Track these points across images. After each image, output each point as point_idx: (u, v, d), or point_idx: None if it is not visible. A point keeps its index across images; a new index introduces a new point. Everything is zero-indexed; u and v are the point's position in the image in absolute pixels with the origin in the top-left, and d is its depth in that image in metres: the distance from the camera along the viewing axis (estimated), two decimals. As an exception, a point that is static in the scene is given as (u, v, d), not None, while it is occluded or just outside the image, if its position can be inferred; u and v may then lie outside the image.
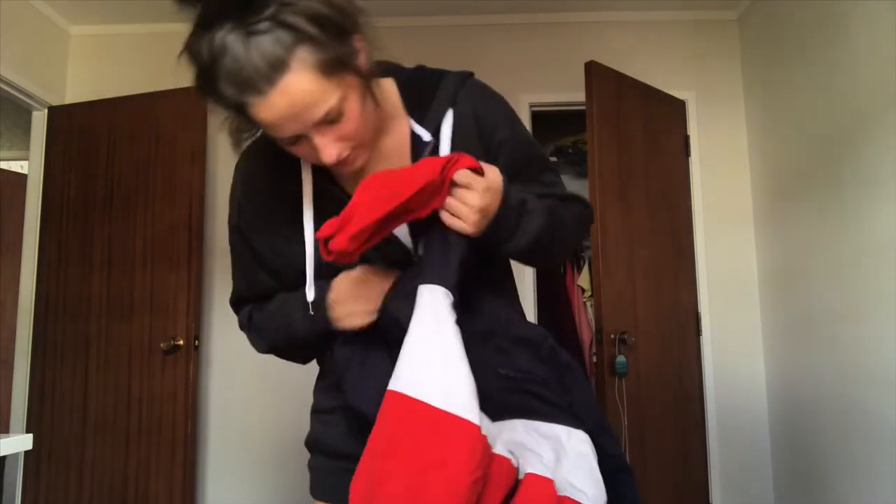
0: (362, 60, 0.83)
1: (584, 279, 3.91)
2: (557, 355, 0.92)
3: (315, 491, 1.03)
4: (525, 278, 3.29)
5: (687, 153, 3.44)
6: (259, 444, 3.32)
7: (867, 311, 2.44)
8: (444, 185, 0.83)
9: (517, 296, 1.08)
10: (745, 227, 3.39)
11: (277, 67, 0.74)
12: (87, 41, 3.60)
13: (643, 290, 3.05)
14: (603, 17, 3.54)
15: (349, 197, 0.92)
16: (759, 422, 3.26)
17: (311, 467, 1.05)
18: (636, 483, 0.90)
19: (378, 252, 0.87)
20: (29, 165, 3.42)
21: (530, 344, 0.92)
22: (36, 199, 3.32)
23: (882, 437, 2.34)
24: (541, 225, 0.91)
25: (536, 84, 3.45)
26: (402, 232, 0.93)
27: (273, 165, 0.97)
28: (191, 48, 0.77)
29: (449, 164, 0.83)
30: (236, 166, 1.03)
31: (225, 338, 3.32)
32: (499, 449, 0.80)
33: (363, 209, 0.80)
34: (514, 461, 0.80)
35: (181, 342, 3.02)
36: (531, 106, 3.45)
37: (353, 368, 0.90)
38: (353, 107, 0.82)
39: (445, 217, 0.84)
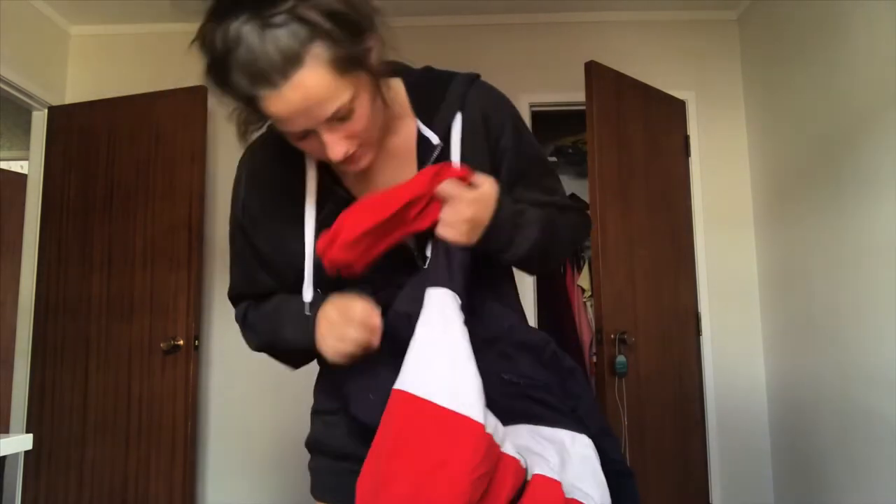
0: (375, 59, 0.82)
1: (584, 279, 3.90)
2: (560, 360, 0.93)
3: (316, 491, 1.03)
4: (525, 278, 3.29)
5: (687, 153, 3.44)
6: (259, 444, 3.32)
7: (867, 311, 2.44)
8: (436, 196, 0.85)
9: (519, 299, 1.08)
10: (744, 227, 3.39)
11: (292, 61, 0.74)
12: (87, 41, 3.60)
13: (643, 290, 3.05)
14: (603, 17, 3.54)
15: (353, 197, 0.93)
16: (759, 422, 3.26)
17: (313, 468, 1.04)
18: (637, 486, 0.91)
19: (388, 260, 0.87)
20: (29, 165, 3.42)
21: (532, 349, 0.92)
22: (36, 199, 3.32)
23: (882, 436, 2.34)
24: (536, 236, 0.93)
25: (536, 84, 3.45)
26: (409, 241, 0.94)
27: (279, 162, 0.97)
28: (203, 38, 0.76)
29: (436, 176, 0.85)
30: (241, 161, 1.03)
31: (225, 338, 3.32)
32: (507, 448, 0.80)
33: (351, 220, 0.83)
34: (522, 462, 0.80)
35: (181, 342, 3.02)
36: (531, 106, 3.45)
37: (355, 378, 0.90)
38: (364, 105, 0.82)
39: (439, 227, 0.86)
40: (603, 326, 2.85)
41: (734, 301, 3.34)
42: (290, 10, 0.73)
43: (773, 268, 3.21)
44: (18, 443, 1.60)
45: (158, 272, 3.10)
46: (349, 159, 0.85)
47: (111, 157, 3.24)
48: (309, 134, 0.82)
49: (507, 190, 0.99)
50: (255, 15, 0.73)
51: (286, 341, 0.96)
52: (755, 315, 3.34)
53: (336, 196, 0.94)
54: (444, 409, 0.77)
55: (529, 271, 1.03)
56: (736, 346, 3.31)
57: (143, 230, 3.14)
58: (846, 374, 2.58)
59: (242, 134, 0.87)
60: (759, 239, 3.35)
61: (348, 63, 0.77)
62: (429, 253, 0.91)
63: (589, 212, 2.96)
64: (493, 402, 0.83)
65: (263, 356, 1.06)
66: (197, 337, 3.07)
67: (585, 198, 3.61)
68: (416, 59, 1.04)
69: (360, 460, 0.80)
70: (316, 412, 1.06)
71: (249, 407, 3.31)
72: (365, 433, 0.83)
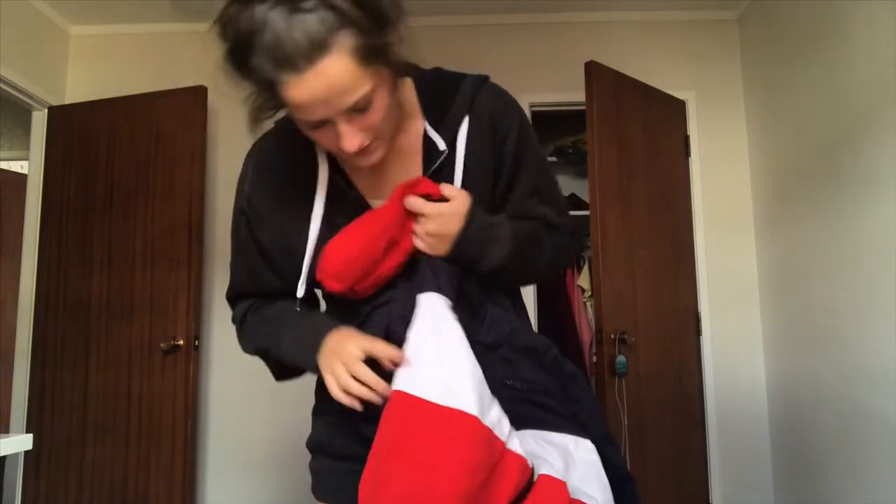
0: (396, 54, 0.82)
1: (584, 279, 3.90)
2: (561, 365, 0.94)
3: (318, 492, 1.03)
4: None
5: (687, 153, 3.44)
6: (259, 444, 3.31)
7: (867, 311, 2.44)
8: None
9: (522, 303, 1.08)
10: (744, 227, 3.39)
11: (319, 47, 0.73)
12: (87, 41, 3.60)
13: (643, 290, 3.05)
14: (603, 17, 3.54)
15: (361, 196, 0.94)
16: (759, 422, 3.26)
17: (314, 469, 1.04)
18: (637, 491, 0.92)
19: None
20: (29, 165, 3.42)
21: (533, 353, 0.93)
22: (36, 199, 3.32)
23: (882, 436, 2.34)
24: (506, 252, 0.94)
25: (536, 84, 3.45)
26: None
27: (289, 156, 0.97)
28: (225, 19, 0.75)
29: (405, 192, 0.90)
30: (248, 154, 1.02)
31: (225, 338, 3.31)
32: (513, 445, 0.80)
33: (333, 250, 0.89)
34: (529, 461, 0.80)
35: (181, 342, 3.02)
36: (531, 106, 3.45)
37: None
38: (382, 98, 0.82)
39: (413, 239, 0.91)
40: (603, 326, 2.85)
41: (734, 301, 3.34)
42: None
43: (773, 268, 3.21)
44: (18, 443, 1.60)
45: (158, 272, 3.10)
46: (362, 152, 0.85)
47: (111, 157, 3.24)
48: (324, 124, 0.81)
49: (505, 192, 0.99)
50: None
51: (286, 356, 0.97)
52: (755, 315, 3.34)
53: (345, 193, 0.95)
54: (437, 405, 0.78)
55: (505, 284, 1.02)
56: (736, 346, 3.31)
57: (143, 230, 3.14)
58: (846, 374, 2.58)
59: (255, 120, 0.85)
60: (759, 239, 3.35)
61: (372, 54, 0.77)
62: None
63: (592, 213, 2.96)
64: None
65: (264, 356, 1.06)
66: (197, 337, 3.07)
67: (585, 198, 3.61)
68: (416, 59, 1.04)
69: (361, 460, 0.81)
70: (317, 412, 1.06)
71: (249, 407, 3.31)
72: (366, 433, 0.84)
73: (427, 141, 0.95)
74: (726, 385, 3.28)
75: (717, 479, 3.22)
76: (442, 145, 0.94)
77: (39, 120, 3.37)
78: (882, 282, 2.33)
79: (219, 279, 3.36)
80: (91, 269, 3.16)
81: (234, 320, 1.07)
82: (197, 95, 3.13)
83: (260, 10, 0.73)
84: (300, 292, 0.95)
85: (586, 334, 3.91)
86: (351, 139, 0.82)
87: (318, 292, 1.00)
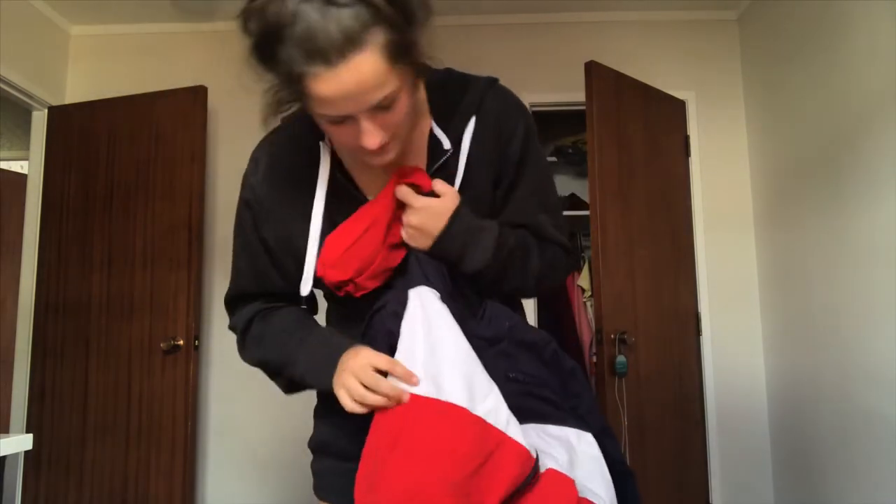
0: (422, 55, 0.82)
1: (584, 279, 3.90)
2: (560, 359, 0.94)
3: (321, 492, 1.03)
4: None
5: (687, 153, 3.44)
6: (259, 444, 3.31)
7: (867, 310, 2.44)
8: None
9: (520, 301, 1.07)
10: (744, 227, 3.39)
11: (353, 42, 0.73)
12: (87, 41, 3.60)
13: (643, 290, 3.05)
14: (603, 17, 3.54)
15: (363, 195, 0.94)
16: (759, 422, 3.26)
17: (317, 469, 1.04)
18: (637, 486, 0.92)
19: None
20: (29, 165, 3.42)
21: (533, 347, 0.93)
22: (36, 199, 3.32)
23: (882, 436, 2.34)
24: (487, 258, 0.93)
25: (536, 84, 3.45)
26: None
27: (296, 155, 0.97)
28: (252, 10, 0.75)
29: (398, 180, 0.90)
30: (259, 147, 1.02)
31: (225, 338, 3.30)
32: (513, 433, 0.80)
33: (332, 241, 0.90)
34: (533, 452, 0.80)
35: (181, 342, 3.02)
36: (531, 106, 3.44)
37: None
38: (405, 97, 0.82)
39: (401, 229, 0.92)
40: (603, 326, 2.85)
41: (734, 301, 3.34)
42: None
43: (773, 268, 3.21)
44: (18, 443, 1.60)
45: (158, 272, 3.10)
46: (379, 150, 0.85)
47: (111, 157, 3.24)
48: (346, 120, 0.81)
49: (505, 194, 0.99)
50: None
51: (300, 379, 0.96)
52: (755, 315, 3.34)
53: (346, 190, 0.95)
54: (426, 398, 0.79)
55: (488, 290, 0.99)
56: (736, 346, 3.31)
57: (143, 230, 3.14)
58: (846, 374, 2.58)
59: (272, 114, 0.84)
60: (759, 239, 3.35)
61: (401, 53, 0.77)
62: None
63: (592, 213, 2.96)
64: None
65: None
66: (197, 337, 3.07)
67: (585, 198, 3.61)
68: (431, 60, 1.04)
69: None
70: (319, 413, 1.06)
71: (249, 407, 3.31)
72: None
73: (432, 139, 0.95)
74: (726, 385, 3.28)
75: (717, 479, 3.22)
76: (447, 144, 0.95)
77: (39, 120, 3.37)
78: (882, 282, 2.33)
79: (219, 279, 3.36)
80: (91, 269, 3.16)
81: (233, 328, 1.05)
82: (197, 95, 3.13)
83: (292, 2, 0.72)
84: (304, 290, 0.95)
85: (586, 334, 3.91)
86: (373, 136, 0.82)
87: (319, 294, 1.00)
